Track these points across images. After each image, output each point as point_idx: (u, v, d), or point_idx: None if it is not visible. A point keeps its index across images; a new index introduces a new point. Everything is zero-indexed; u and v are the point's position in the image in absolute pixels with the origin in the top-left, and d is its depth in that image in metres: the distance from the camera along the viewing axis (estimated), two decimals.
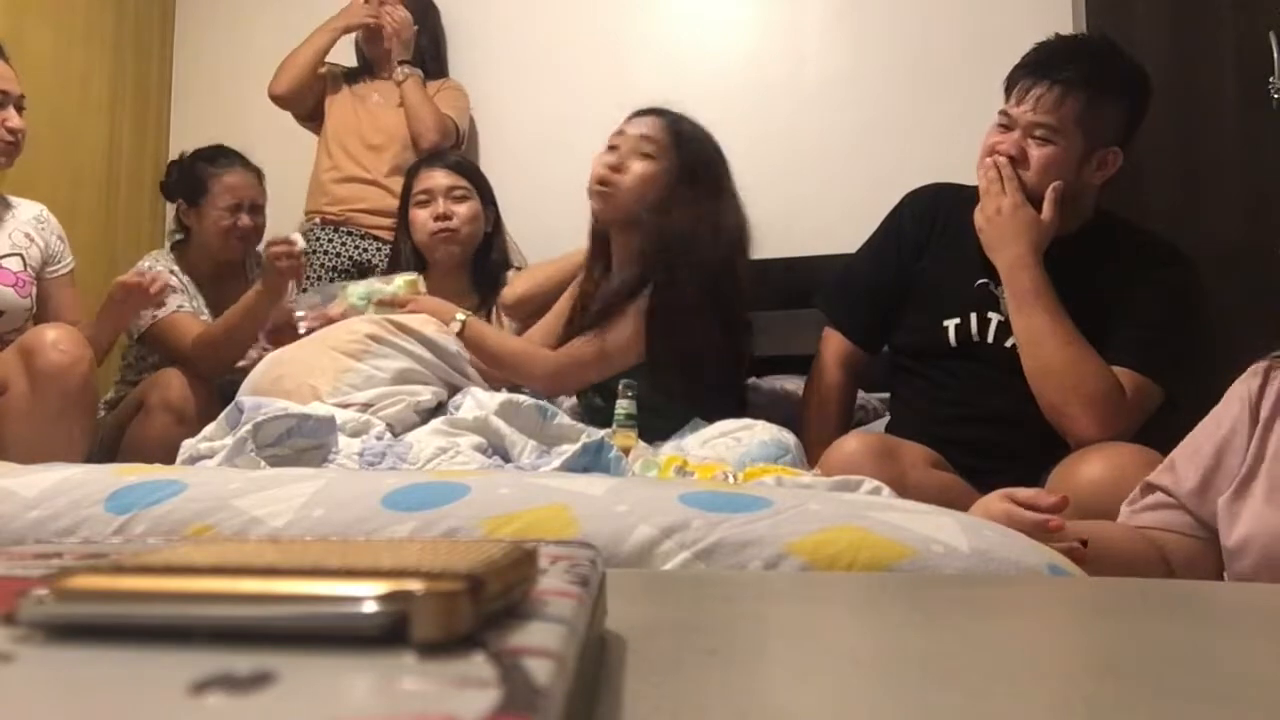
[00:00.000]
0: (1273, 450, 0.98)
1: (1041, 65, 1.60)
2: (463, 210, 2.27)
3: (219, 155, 2.49)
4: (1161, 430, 1.48)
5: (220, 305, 2.35)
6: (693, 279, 1.81)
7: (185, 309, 2.36)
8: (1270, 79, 1.83)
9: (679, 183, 1.86)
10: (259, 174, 2.53)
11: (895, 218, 1.85)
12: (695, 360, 1.85)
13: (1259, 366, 1.05)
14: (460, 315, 1.92)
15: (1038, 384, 1.56)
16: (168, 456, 1.61)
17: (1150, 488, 1.11)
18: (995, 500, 1.05)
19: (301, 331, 2.01)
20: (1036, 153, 1.60)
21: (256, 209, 2.48)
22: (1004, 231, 1.60)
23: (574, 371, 1.88)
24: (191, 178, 2.46)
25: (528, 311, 2.13)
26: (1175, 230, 1.94)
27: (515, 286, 2.22)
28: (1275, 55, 1.82)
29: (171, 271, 2.41)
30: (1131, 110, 1.63)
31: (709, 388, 1.90)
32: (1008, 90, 1.65)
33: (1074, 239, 1.66)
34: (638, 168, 1.88)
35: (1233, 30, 1.98)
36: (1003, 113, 1.66)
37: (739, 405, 1.93)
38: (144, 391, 2.14)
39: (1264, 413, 1.01)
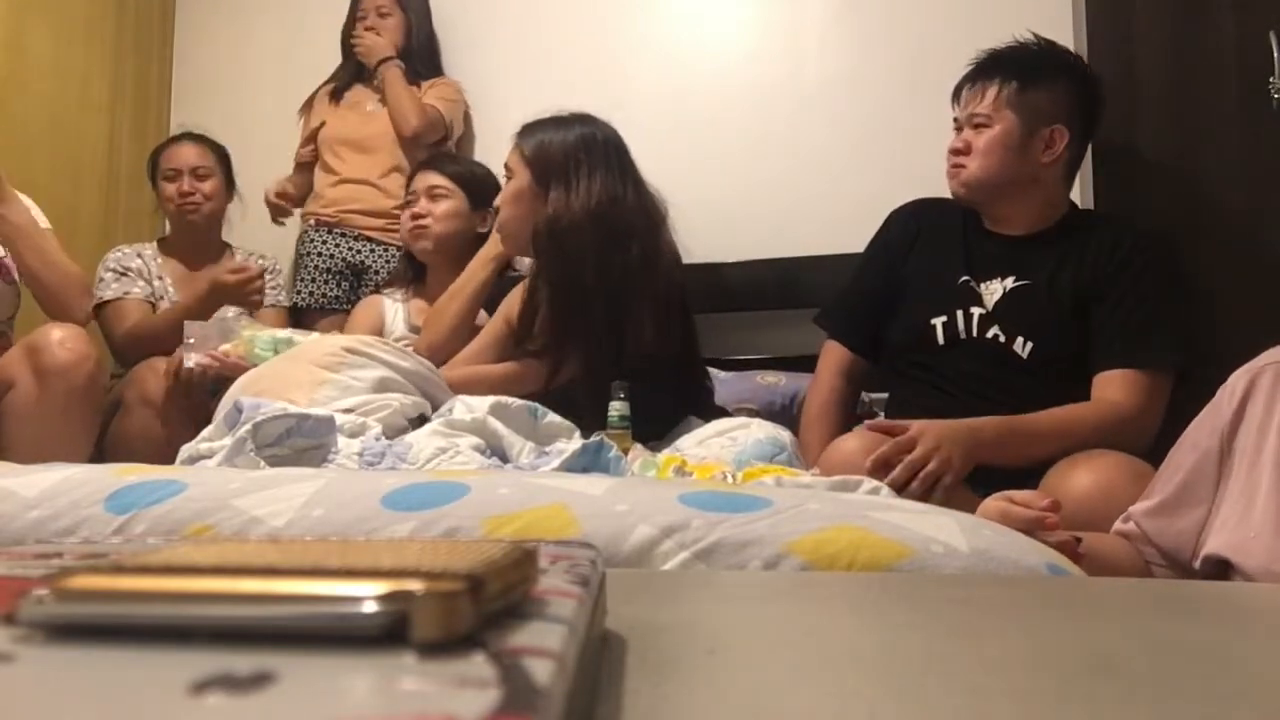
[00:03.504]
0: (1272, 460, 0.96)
1: (975, 70, 1.78)
2: (438, 208, 2.28)
3: (175, 137, 2.61)
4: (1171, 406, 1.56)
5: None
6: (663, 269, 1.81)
7: (133, 295, 2.41)
8: (1270, 79, 1.83)
9: (546, 191, 1.80)
10: (211, 145, 2.56)
11: (882, 231, 1.92)
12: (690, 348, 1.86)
13: (1236, 389, 1.00)
14: None
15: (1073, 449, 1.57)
16: (150, 452, 1.60)
17: (1128, 518, 1.11)
18: (993, 500, 1.06)
19: (189, 364, 1.89)
20: (976, 138, 1.74)
21: (200, 176, 2.50)
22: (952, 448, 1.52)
23: None
24: (151, 164, 2.58)
25: (445, 356, 1.93)
26: (1175, 230, 1.95)
27: (420, 343, 2.00)
28: (1275, 55, 1.81)
29: (139, 256, 2.48)
30: (1069, 92, 1.73)
31: (702, 386, 1.91)
32: (954, 102, 1.81)
33: (1051, 231, 1.74)
34: (505, 193, 1.88)
35: (1233, 30, 1.98)
36: (954, 120, 1.81)
37: (711, 397, 1.95)
38: (122, 389, 2.15)
39: (1241, 443, 0.97)
